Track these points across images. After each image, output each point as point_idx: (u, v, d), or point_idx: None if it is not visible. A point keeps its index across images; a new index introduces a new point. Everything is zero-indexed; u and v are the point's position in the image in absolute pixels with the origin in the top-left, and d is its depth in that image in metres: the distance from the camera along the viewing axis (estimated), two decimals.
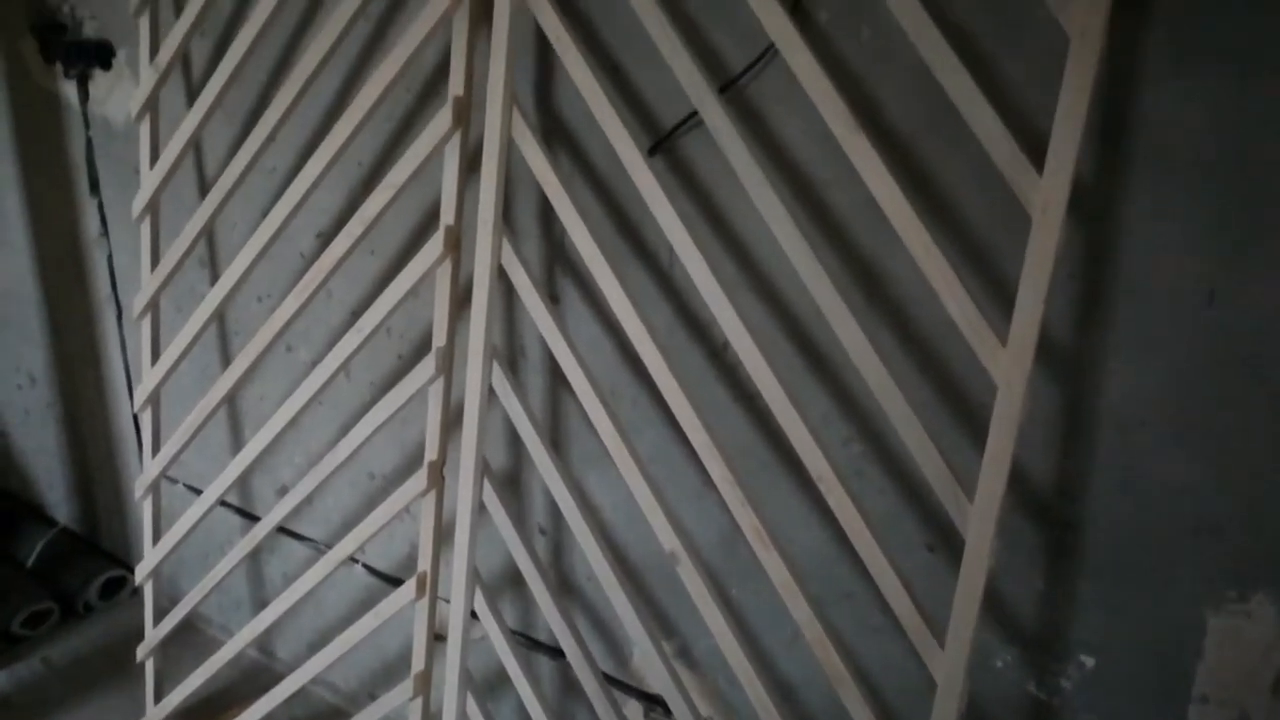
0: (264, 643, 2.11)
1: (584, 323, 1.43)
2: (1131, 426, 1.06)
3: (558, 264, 1.44)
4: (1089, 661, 1.16)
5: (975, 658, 1.22)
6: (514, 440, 1.58)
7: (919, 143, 1.10)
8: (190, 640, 2.16)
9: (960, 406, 1.16)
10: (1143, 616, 1.11)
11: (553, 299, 1.45)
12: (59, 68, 1.92)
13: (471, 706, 1.49)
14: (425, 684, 1.51)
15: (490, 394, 1.38)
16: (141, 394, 1.80)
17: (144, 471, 1.82)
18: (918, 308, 1.15)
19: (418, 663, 1.50)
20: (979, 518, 1.03)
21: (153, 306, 1.78)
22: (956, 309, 1.01)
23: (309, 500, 1.88)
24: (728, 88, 1.18)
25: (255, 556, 2.05)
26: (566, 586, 1.60)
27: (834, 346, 1.20)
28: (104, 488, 2.35)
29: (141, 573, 1.87)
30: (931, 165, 1.10)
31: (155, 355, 1.80)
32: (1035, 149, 0.96)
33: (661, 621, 1.50)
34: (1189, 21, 0.94)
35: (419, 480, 1.44)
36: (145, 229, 1.76)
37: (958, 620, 1.05)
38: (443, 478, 1.46)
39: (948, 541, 1.21)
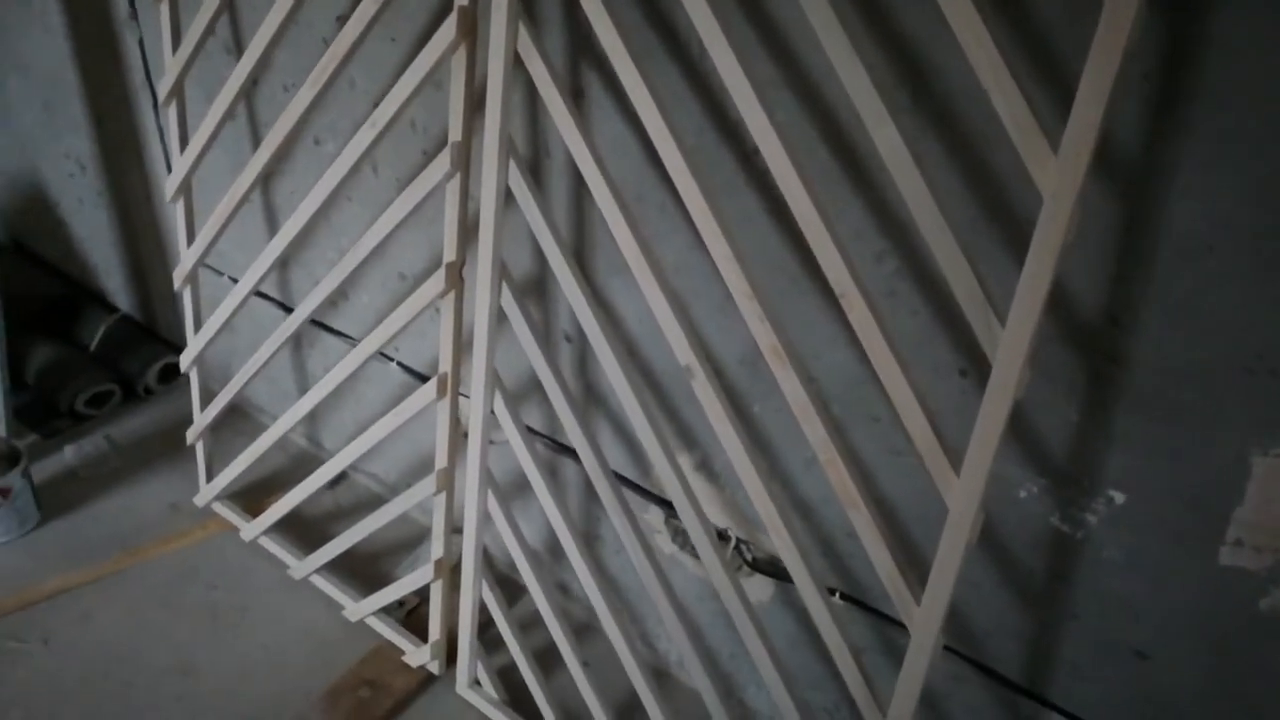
0: (311, 433, 2.18)
1: (609, 122, 1.33)
2: (1196, 252, 0.95)
3: (582, 57, 1.33)
4: (1119, 497, 1.10)
5: (998, 487, 1.17)
6: (539, 245, 1.52)
7: None
8: (243, 427, 2.24)
9: (1007, 227, 1.05)
10: (1182, 455, 1.04)
11: (575, 95, 1.35)
12: None
13: (492, 504, 1.51)
14: (448, 480, 1.53)
15: (510, 196, 1.32)
16: (172, 183, 1.78)
17: (181, 261, 1.83)
18: (967, 105, 1.03)
19: (440, 460, 1.51)
20: (1010, 342, 0.94)
21: (178, 92, 1.73)
22: (1004, 106, 0.89)
23: (345, 297, 1.88)
24: None
25: (298, 350, 2.07)
26: (593, 394, 1.58)
27: (872, 153, 1.10)
28: (157, 277, 2.38)
29: (186, 359, 1.91)
30: None
31: (184, 144, 1.76)
32: None
33: (683, 434, 1.47)
34: None
35: (438, 281, 1.40)
36: (164, 9, 1.68)
37: (976, 448, 0.99)
38: (462, 279, 1.42)
39: (982, 367, 1.14)
